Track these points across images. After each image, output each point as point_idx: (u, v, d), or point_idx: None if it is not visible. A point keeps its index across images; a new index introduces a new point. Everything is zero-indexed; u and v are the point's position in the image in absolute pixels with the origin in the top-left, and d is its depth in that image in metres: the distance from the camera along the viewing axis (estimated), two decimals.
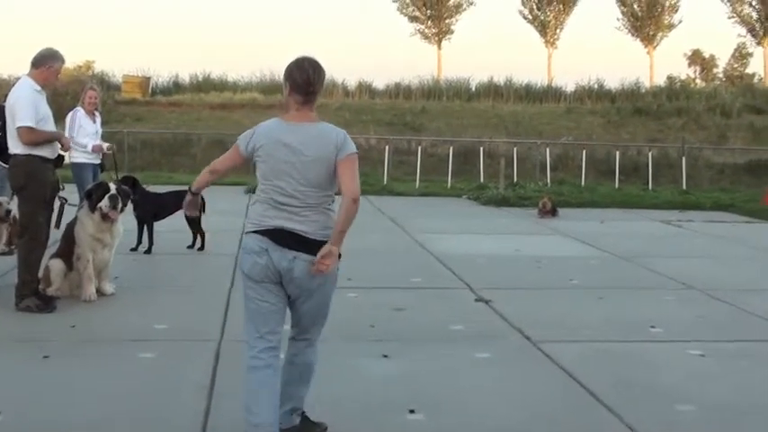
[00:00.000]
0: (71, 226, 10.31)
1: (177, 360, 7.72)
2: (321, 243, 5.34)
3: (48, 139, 9.58)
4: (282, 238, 5.42)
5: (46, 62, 9.60)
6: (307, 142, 5.44)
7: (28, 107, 9.31)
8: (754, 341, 9.08)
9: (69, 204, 10.44)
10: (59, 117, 12.85)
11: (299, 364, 5.85)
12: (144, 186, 14.02)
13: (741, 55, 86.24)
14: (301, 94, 5.51)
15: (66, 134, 13.37)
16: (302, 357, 5.86)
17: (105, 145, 14.49)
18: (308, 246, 5.39)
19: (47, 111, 9.58)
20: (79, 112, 13.81)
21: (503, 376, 7.61)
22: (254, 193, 5.67)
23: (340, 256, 5.42)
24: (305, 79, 5.48)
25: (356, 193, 5.33)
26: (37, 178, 9.42)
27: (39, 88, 9.51)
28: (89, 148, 13.66)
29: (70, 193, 10.63)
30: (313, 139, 5.45)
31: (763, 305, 10.78)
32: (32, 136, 9.31)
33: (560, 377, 7.58)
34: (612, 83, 49.59)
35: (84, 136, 13.73)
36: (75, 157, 13.70)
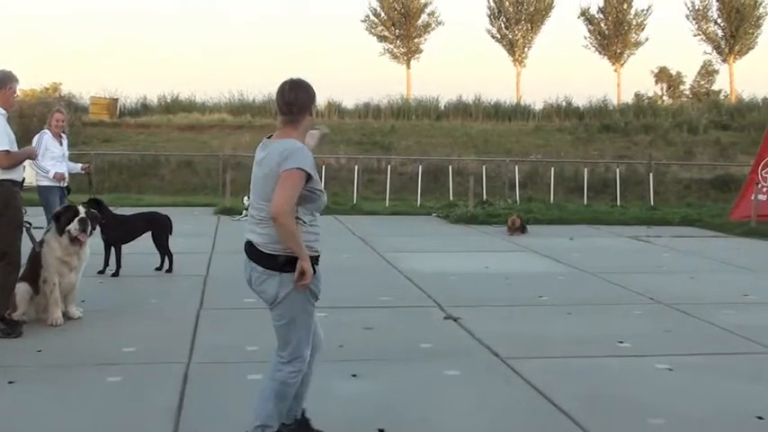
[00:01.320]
0: (36, 249, 10.24)
1: (145, 383, 7.67)
2: (269, 256, 5.55)
3: (22, 160, 9.57)
4: (247, 249, 5.75)
5: (5, 84, 9.56)
6: (266, 158, 5.58)
7: (1, 132, 9.27)
8: (720, 354, 9.13)
9: (34, 228, 10.37)
10: (26, 140, 12.82)
11: (271, 380, 5.86)
12: (110, 209, 13.96)
13: (707, 72, 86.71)
14: (282, 114, 5.72)
15: None
16: (270, 373, 5.87)
17: (80, 165, 14.49)
18: (258, 257, 5.64)
19: (11, 132, 9.54)
20: (46, 134, 13.76)
21: (472, 393, 7.60)
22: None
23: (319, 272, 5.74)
24: (284, 101, 5.67)
25: (276, 210, 5.36)
26: (12, 203, 9.38)
27: (3, 111, 9.47)
28: (50, 174, 13.59)
29: (33, 216, 10.54)
30: (269, 155, 5.57)
31: (729, 319, 10.84)
32: (11, 159, 9.29)
33: (529, 393, 7.58)
34: (580, 100, 49.96)
35: (51, 159, 13.69)
36: (41, 179, 13.66)
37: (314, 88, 5.72)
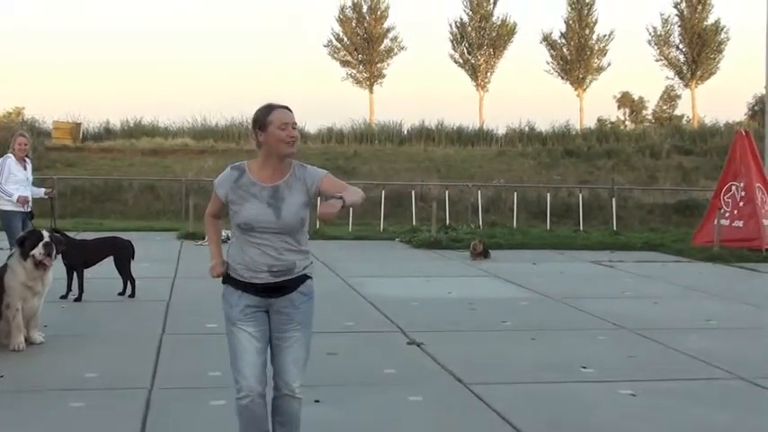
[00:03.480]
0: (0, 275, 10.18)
1: (108, 409, 7.63)
2: None
3: None
4: None
5: None
6: None
7: None
8: (683, 380, 9.17)
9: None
10: None
11: None
12: (69, 234, 13.86)
13: (669, 97, 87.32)
14: None
15: None
16: None
17: (43, 190, 14.44)
18: None
19: None
20: (9, 158, 13.74)
21: (435, 419, 7.60)
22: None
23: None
24: None
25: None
26: None
27: None
28: (14, 198, 13.55)
29: None
30: None
31: (692, 344, 10.90)
32: None
33: (493, 419, 7.58)
34: (543, 125, 50.13)
35: (15, 183, 13.68)
36: (4, 204, 13.61)
37: (259, 109, 5.79)
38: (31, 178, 14.24)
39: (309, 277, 5.85)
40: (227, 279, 5.77)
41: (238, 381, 5.65)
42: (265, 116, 5.68)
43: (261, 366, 5.68)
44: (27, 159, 14.14)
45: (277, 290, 5.68)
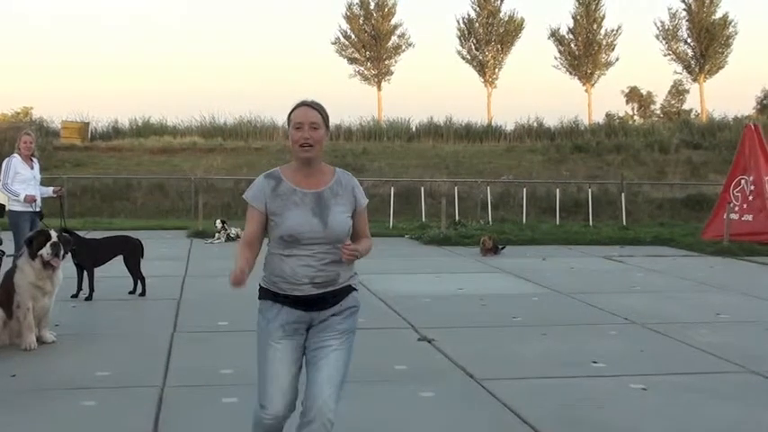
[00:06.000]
0: (9, 274, 10.18)
1: (120, 408, 7.63)
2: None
3: None
4: None
5: None
6: None
7: None
8: (694, 374, 9.16)
9: (8, 255, 10.34)
10: None
11: None
12: (78, 233, 13.87)
13: (678, 91, 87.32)
14: None
15: (1, 181, 13.34)
16: None
17: (51, 189, 14.43)
18: None
19: None
20: (15, 158, 13.75)
21: (447, 415, 7.59)
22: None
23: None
24: None
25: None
26: None
27: None
28: (21, 197, 13.57)
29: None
30: None
31: (702, 338, 10.90)
32: None
33: (504, 414, 7.58)
34: (551, 121, 50.23)
35: (21, 182, 13.67)
36: (12, 204, 13.61)
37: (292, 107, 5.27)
38: (39, 177, 14.23)
39: (355, 289, 5.36)
40: (264, 293, 5.26)
41: (265, 405, 5.16)
42: (289, 114, 5.25)
43: (293, 393, 5.20)
44: (34, 158, 14.14)
45: (319, 303, 5.18)
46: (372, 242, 5.51)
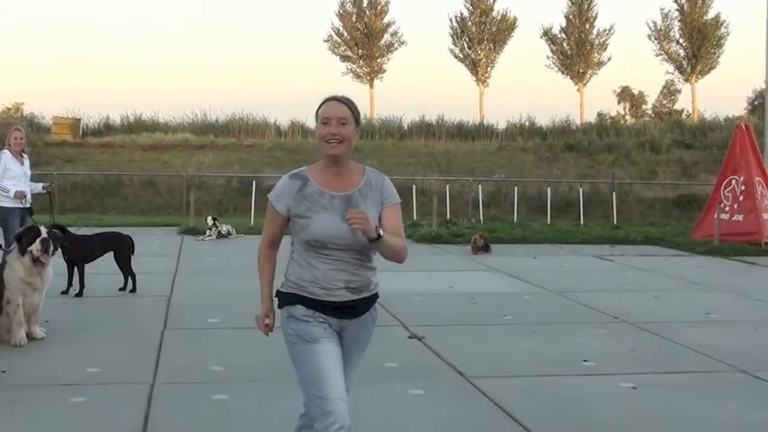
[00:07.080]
0: None
1: (109, 404, 7.62)
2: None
3: None
4: None
5: None
6: None
7: None
8: (684, 373, 9.17)
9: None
10: None
11: None
12: (69, 229, 13.84)
13: (669, 91, 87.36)
14: None
15: None
16: None
17: (41, 185, 14.39)
18: None
19: None
20: (5, 154, 13.71)
21: (437, 413, 7.60)
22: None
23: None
24: None
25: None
26: None
27: None
28: (11, 193, 13.54)
29: None
30: None
31: (691, 337, 10.91)
32: None
33: (494, 413, 7.59)
34: (543, 120, 50.30)
35: (12, 178, 13.64)
36: (2, 200, 13.59)
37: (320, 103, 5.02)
38: (29, 173, 14.20)
39: (378, 296, 5.22)
40: (292, 298, 4.93)
41: (325, 408, 4.72)
42: (317, 110, 4.97)
43: (346, 393, 4.87)
44: (24, 154, 14.11)
45: (352, 309, 4.99)
46: (405, 245, 5.23)
